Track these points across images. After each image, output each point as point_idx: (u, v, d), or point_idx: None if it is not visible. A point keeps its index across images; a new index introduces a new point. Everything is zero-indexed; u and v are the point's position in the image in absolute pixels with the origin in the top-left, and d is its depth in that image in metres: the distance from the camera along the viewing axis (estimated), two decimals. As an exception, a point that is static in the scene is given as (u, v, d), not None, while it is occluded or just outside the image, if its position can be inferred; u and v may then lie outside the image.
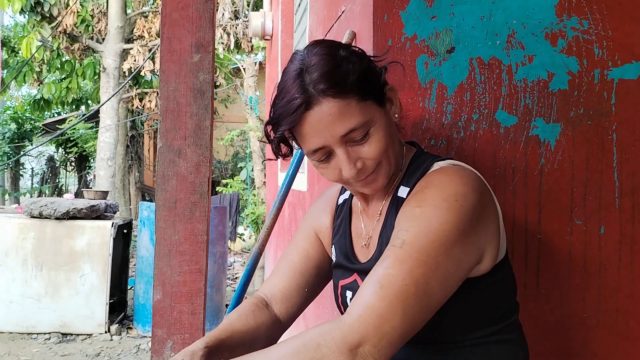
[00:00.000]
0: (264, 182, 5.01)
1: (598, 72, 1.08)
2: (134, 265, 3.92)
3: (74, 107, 9.66)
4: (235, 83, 6.86)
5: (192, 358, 0.77)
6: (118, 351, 3.10)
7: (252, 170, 5.49)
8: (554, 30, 1.08)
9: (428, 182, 0.78)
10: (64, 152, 10.63)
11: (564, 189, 1.08)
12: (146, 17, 7.14)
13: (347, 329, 0.66)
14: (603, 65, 1.08)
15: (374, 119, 0.78)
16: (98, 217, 3.47)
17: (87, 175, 10.22)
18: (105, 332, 3.32)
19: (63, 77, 8.54)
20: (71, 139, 9.28)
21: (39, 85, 8.59)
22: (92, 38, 7.23)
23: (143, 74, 7.17)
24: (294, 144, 0.84)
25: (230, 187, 6.06)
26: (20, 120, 10.10)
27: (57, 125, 9.27)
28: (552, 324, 1.08)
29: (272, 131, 0.81)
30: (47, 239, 3.34)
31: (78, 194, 8.54)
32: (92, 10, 7.11)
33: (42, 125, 10.19)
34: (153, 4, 7.73)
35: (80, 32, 7.09)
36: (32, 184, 11.53)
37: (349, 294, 0.88)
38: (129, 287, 3.90)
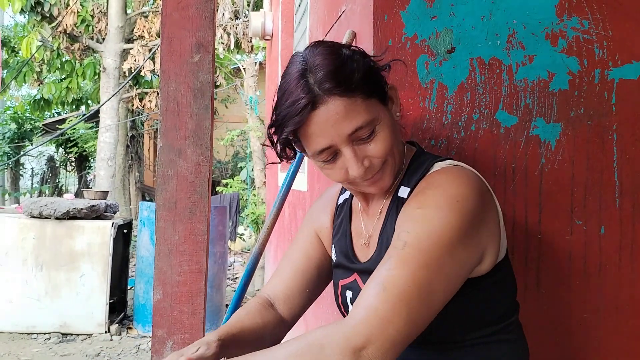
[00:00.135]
0: (264, 182, 5.01)
1: (598, 72, 1.08)
2: (134, 265, 3.92)
3: (74, 107, 9.66)
4: (235, 83, 6.86)
5: (208, 347, 0.77)
6: (118, 351, 3.10)
7: (252, 170, 5.49)
8: (554, 30, 1.08)
9: (429, 183, 0.79)
10: (64, 152, 10.63)
11: (564, 189, 1.08)
12: (146, 17, 7.14)
13: (351, 331, 0.66)
14: (603, 65, 1.08)
15: (379, 117, 0.78)
16: (98, 217, 3.47)
17: (87, 175, 10.22)
18: (105, 332, 3.32)
19: (63, 77, 8.54)
20: (71, 139, 9.28)
21: (39, 85, 8.59)
22: (92, 38, 7.24)
23: (143, 74, 7.17)
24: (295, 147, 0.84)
25: (230, 187, 6.07)
26: (20, 120, 10.10)
27: (57, 125, 9.27)
28: (552, 323, 1.07)
29: (275, 134, 0.81)
30: (47, 239, 3.34)
31: (78, 194, 8.54)
32: (92, 10, 7.11)
33: (42, 125, 10.19)
34: (153, 4, 7.73)
35: (80, 32, 7.09)
36: (32, 184, 11.53)
37: (349, 293, 0.88)
38: (129, 287, 3.90)
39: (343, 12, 1.38)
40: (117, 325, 3.41)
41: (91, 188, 7.76)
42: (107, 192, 4.15)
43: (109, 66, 6.69)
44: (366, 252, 0.87)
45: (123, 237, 3.65)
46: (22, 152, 9.66)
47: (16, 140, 9.81)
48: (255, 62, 5.74)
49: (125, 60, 6.76)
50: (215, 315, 3.46)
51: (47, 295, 3.31)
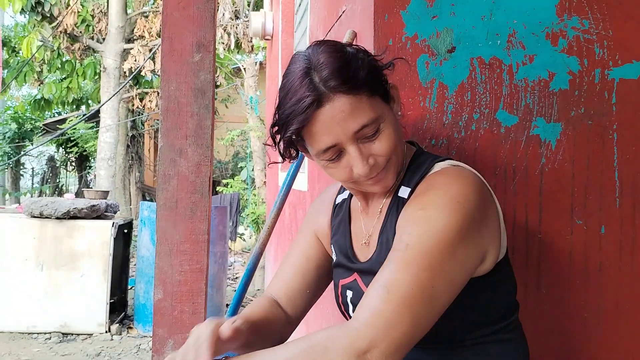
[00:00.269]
0: (265, 182, 5.01)
1: (599, 72, 1.08)
2: (134, 265, 3.92)
3: (74, 107, 9.66)
4: (235, 83, 6.86)
5: (242, 323, 0.76)
6: (118, 351, 3.10)
7: (253, 170, 5.49)
8: (554, 30, 1.08)
9: (429, 184, 0.79)
10: (64, 152, 10.63)
11: (565, 189, 1.08)
12: (146, 17, 7.15)
13: (355, 334, 0.66)
14: (604, 65, 1.08)
15: (384, 115, 0.78)
16: (98, 217, 3.47)
17: (88, 175, 10.22)
18: (106, 332, 3.32)
19: (63, 77, 8.54)
20: (71, 138, 9.28)
21: (39, 85, 8.59)
22: (92, 38, 7.24)
23: (143, 74, 7.18)
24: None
25: (231, 187, 6.07)
26: (20, 120, 10.11)
27: (57, 125, 9.27)
28: (553, 323, 1.08)
29: (278, 133, 0.80)
30: (48, 239, 3.34)
31: (78, 194, 8.54)
32: (93, 10, 7.12)
33: (43, 125, 10.19)
34: (153, 3, 7.73)
35: (80, 32, 7.09)
36: (33, 183, 11.53)
37: (349, 293, 0.88)
38: (129, 287, 3.90)
39: (343, 12, 1.38)
40: (118, 325, 3.41)
41: (91, 188, 7.77)
42: (108, 192, 4.15)
43: (110, 66, 6.69)
44: (366, 251, 0.87)
45: (123, 237, 3.65)
46: (22, 152, 9.66)
47: (17, 140, 9.82)
48: (256, 62, 5.74)
49: (125, 60, 6.76)
50: (215, 315, 3.46)
51: (48, 295, 3.31)
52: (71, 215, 3.34)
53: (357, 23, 1.21)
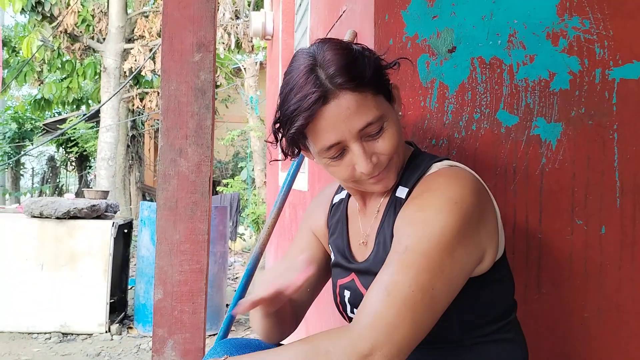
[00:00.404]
0: (265, 182, 5.01)
1: (599, 72, 1.08)
2: (134, 265, 3.92)
3: (74, 107, 9.66)
4: (235, 83, 6.86)
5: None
6: (118, 351, 3.10)
7: (253, 170, 5.49)
8: (555, 29, 1.08)
9: (427, 185, 0.79)
10: (64, 152, 10.63)
11: (565, 189, 1.08)
12: (147, 16, 7.15)
13: (357, 337, 0.66)
14: (604, 65, 1.08)
15: (387, 114, 0.78)
16: (99, 217, 3.47)
17: (88, 175, 10.22)
18: (106, 332, 3.32)
19: (64, 76, 8.55)
20: (72, 138, 9.28)
21: (39, 85, 8.60)
22: (92, 38, 7.24)
23: (144, 74, 7.18)
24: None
25: (231, 187, 6.07)
26: (20, 120, 10.11)
27: (57, 125, 9.28)
28: (553, 323, 1.07)
29: (281, 130, 0.80)
30: (48, 239, 3.33)
31: (78, 194, 8.54)
32: (93, 10, 7.12)
33: (43, 125, 10.19)
34: (154, 3, 7.73)
35: (81, 31, 7.10)
36: (33, 183, 11.54)
37: (347, 293, 0.88)
38: (129, 287, 3.90)
39: (344, 12, 1.38)
40: (118, 325, 3.41)
41: (92, 188, 7.77)
42: (108, 191, 4.15)
43: (110, 66, 6.69)
44: (364, 251, 0.87)
45: (123, 237, 3.65)
46: (22, 152, 9.66)
47: (17, 140, 9.82)
48: (256, 62, 5.74)
49: (125, 60, 6.76)
50: (215, 315, 3.45)
51: (48, 295, 3.31)
52: (71, 215, 3.34)
53: (357, 23, 1.21)
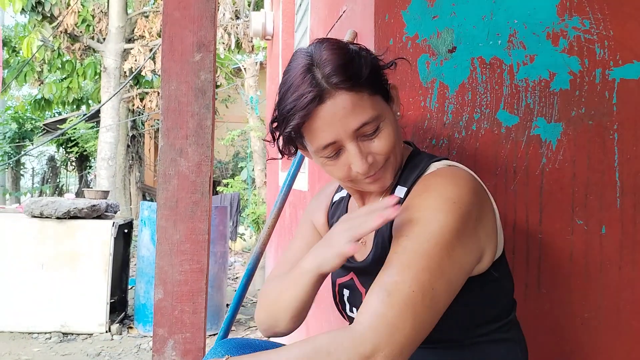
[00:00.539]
0: (265, 181, 5.01)
1: (599, 72, 1.08)
2: (135, 265, 3.92)
3: (74, 107, 9.66)
4: (235, 83, 6.86)
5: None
6: (119, 351, 3.10)
7: (253, 170, 5.49)
8: (555, 30, 1.08)
9: (425, 185, 0.79)
10: (64, 152, 10.64)
11: (565, 189, 1.08)
12: (147, 16, 7.15)
13: (358, 338, 0.66)
14: (604, 65, 1.08)
15: (384, 114, 0.78)
16: (99, 217, 3.47)
17: (88, 175, 10.22)
18: (106, 332, 3.32)
19: (64, 77, 8.55)
20: (72, 138, 9.28)
21: (39, 85, 8.60)
22: (92, 38, 7.24)
23: (144, 74, 7.18)
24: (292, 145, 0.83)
25: (231, 187, 6.07)
26: (21, 120, 10.11)
27: (57, 125, 9.28)
28: (553, 323, 1.07)
29: (278, 129, 0.80)
30: (48, 239, 3.34)
31: (79, 194, 8.55)
32: (93, 10, 7.12)
33: (43, 125, 10.19)
34: (154, 3, 7.73)
35: (81, 32, 7.10)
36: (33, 183, 11.54)
37: (346, 292, 0.88)
38: (129, 287, 3.90)
39: (344, 12, 1.38)
40: (118, 324, 3.41)
41: (92, 188, 7.77)
42: (108, 191, 4.15)
43: (110, 66, 6.70)
44: (363, 251, 0.87)
45: (124, 237, 3.65)
46: (22, 152, 9.66)
47: (17, 140, 9.82)
48: (256, 62, 5.74)
49: (125, 60, 6.76)
50: (215, 315, 3.46)
51: (48, 295, 3.31)
52: (71, 215, 3.34)
53: (357, 23, 1.21)
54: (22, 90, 12.37)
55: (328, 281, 0.97)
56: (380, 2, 1.06)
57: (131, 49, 6.85)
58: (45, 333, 3.28)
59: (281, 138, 0.81)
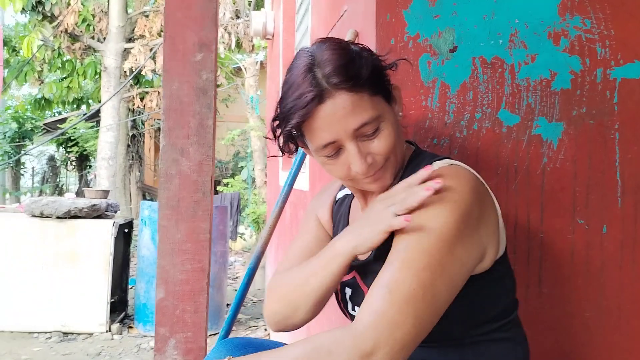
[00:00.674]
0: (265, 181, 5.01)
1: (600, 72, 1.08)
2: (135, 264, 3.93)
3: (74, 106, 9.66)
4: (236, 83, 6.86)
5: None
6: (119, 350, 3.10)
7: (253, 169, 5.49)
8: (556, 29, 1.08)
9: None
10: (64, 152, 10.64)
11: (566, 188, 1.08)
12: (147, 16, 7.15)
13: (359, 336, 0.66)
14: (606, 64, 1.08)
15: (384, 115, 0.78)
16: (99, 217, 3.47)
17: (88, 174, 10.22)
18: (106, 332, 3.32)
19: (64, 76, 8.55)
20: (72, 138, 9.28)
21: (40, 84, 8.60)
22: (93, 37, 7.24)
23: (144, 74, 7.18)
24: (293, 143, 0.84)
25: (231, 186, 6.07)
26: (21, 120, 10.10)
27: (57, 125, 9.27)
28: (554, 322, 1.08)
29: (278, 127, 0.81)
30: (49, 238, 3.34)
31: (79, 193, 8.54)
32: (93, 9, 7.12)
33: (43, 124, 10.19)
34: (154, 3, 7.73)
35: (81, 31, 7.10)
36: (33, 183, 11.54)
37: (348, 290, 0.88)
38: (129, 287, 3.90)
39: (345, 12, 1.38)
40: (118, 324, 3.41)
41: (92, 187, 7.77)
42: (108, 191, 4.15)
43: (110, 65, 6.70)
44: None
45: (124, 237, 3.65)
46: (22, 152, 9.66)
47: (17, 140, 9.82)
48: (256, 62, 5.74)
49: (126, 60, 6.76)
50: (215, 314, 3.46)
51: (48, 295, 3.31)
52: (72, 215, 3.34)
53: (359, 22, 1.21)
54: (22, 90, 12.37)
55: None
56: (382, 1, 1.06)
57: (131, 48, 6.85)
58: (46, 333, 3.29)
59: (282, 136, 0.81)
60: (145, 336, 3.35)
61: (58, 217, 3.33)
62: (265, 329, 3.52)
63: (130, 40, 7.20)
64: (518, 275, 0.90)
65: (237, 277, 5.05)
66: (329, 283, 0.80)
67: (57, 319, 3.31)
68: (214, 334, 3.29)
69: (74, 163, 10.84)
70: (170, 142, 1.02)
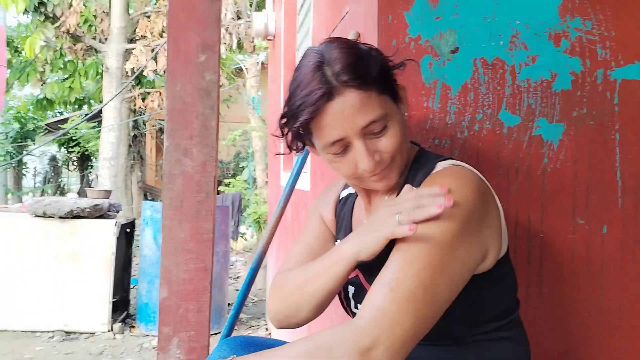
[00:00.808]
0: (266, 181, 5.02)
1: (601, 73, 1.09)
2: (137, 264, 3.94)
3: (76, 106, 9.68)
4: (237, 83, 6.87)
5: None
6: (121, 350, 3.11)
7: (254, 170, 5.50)
8: (557, 30, 1.08)
9: (429, 184, 0.80)
10: (66, 152, 10.65)
11: (567, 189, 1.08)
12: (148, 17, 7.16)
13: (359, 332, 0.67)
14: (606, 65, 1.09)
15: (391, 113, 0.79)
16: (101, 217, 3.48)
17: (89, 174, 10.24)
18: (108, 331, 3.33)
19: (66, 77, 8.56)
20: (73, 138, 9.30)
21: (42, 85, 8.62)
22: (94, 38, 7.25)
23: (145, 74, 7.19)
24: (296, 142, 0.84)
25: (233, 186, 6.08)
26: (23, 120, 10.12)
27: (59, 125, 9.29)
28: (554, 322, 1.08)
29: (286, 125, 0.82)
30: (51, 238, 3.35)
31: (81, 194, 8.56)
32: (95, 10, 7.13)
33: (45, 124, 10.21)
34: (155, 4, 7.74)
35: (83, 32, 7.11)
36: (35, 183, 11.56)
37: (351, 289, 0.89)
38: (131, 286, 3.91)
39: (347, 13, 1.38)
40: (120, 323, 3.42)
41: (94, 187, 7.78)
42: (110, 191, 4.16)
43: (112, 66, 6.71)
44: None
45: (126, 236, 3.66)
46: (24, 152, 9.68)
47: (19, 140, 9.84)
48: (258, 62, 5.74)
49: (127, 60, 6.78)
50: (217, 314, 3.47)
51: (51, 294, 3.32)
52: (74, 215, 3.35)
53: (360, 24, 1.22)
54: (25, 90, 12.39)
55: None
56: (383, 3, 1.07)
57: (133, 49, 6.86)
58: (48, 332, 3.30)
59: (289, 134, 0.82)
60: (147, 335, 3.36)
61: (60, 217, 3.34)
62: (267, 329, 3.53)
63: (131, 40, 7.21)
64: (518, 275, 0.91)
65: (238, 277, 5.05)
66: (332, 286, 0.81)
67: (59, 318, 3.32)
68: (216, 333, 3.29)
69: (75, 163, 10.85)
70: (173, 143, 1.03)
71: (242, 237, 6.15)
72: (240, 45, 6.33)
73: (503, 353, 0.83)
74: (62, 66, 8.15)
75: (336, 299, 0.96)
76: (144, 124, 9.10)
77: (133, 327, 3.52)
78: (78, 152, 9.61)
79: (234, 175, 7.49)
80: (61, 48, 7.40)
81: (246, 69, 5.66)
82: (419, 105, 1.07)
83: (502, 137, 1.08)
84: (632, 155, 1.09)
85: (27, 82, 8.23)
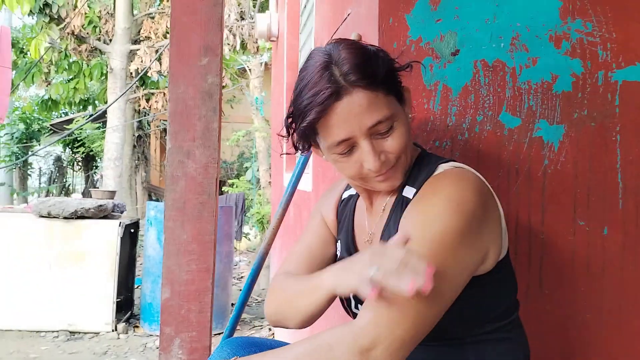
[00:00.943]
0: (270, 182, 5.03)
1: (602, 74, 1.09)
2: (141, 264, 3.95)
3: (81, 107, 9.74)
4: (241, 84, 6.89)
5: None
6: (125, 349, 3.13)
7: (258, 170, 5.51)
8: (557, 32, 1.09)
9: (431, 187, 0.80)
10: (71, 152, 10.71)
11: (568, 190, 1.09)
12: (153, 18, 7.19)
13: (359, 332, 0.68)
14: (607, 67, 1.09)
15: (397, 114, 0.80)
16: (105, 217, 3.50)
17: (94, 175, 10.29)
18: (113, 331, 3.35)
19: (70, 77, 8.61)
20: (78, 139, 9.35)
21: (47, 85, 8.67)
22: (99, 39, 7.30)
23: (150, 75, 7.22)
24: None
25: (236, 187, 6.10)
26: (28, 121, 10.19)
27: (64, 126, 9.35)
28: (555, 323, 1.08)
29: (293, 124, 0.82)
30: (56, 238, 3.37)
31: (85, 194, 8.60)
32: (100, 11, 7.17)
33: (50, 125, 10.27)
34: (159, 5, 7.78)
35: (87, 33, 7.15)
36: (40, 183, 11.62)
37: None
38: (135, 286, 3.93)
39: (348, 15, 1.39)
40: (124, 323, 3.44)
41: (98, 188, 7.82)
42: (115, 191, 4.18)
43: (116, 67, 6.75)
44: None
45: (130, 237, 3.68)
46: (30, 152, 9.74)
47: (24, 141, 9.90)
48: (261, 63, 5.76)
49: (132, 61, 6.81)
50: (220, 314, 3.48)
51: (55, 294, 3.34)
52: (79, 215, 3.37)
53: (361, 26, 1.22)
54: (30, 91, 12.46)
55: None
56: (384, 5, 1.07)
57: (137, 50, 6.89)
58: (53, 332, 3.32)
59: (296, 133, 0.83)
60: (151, 335, 3.37)
61: (65, 218, 3.36)
62: (270, 329, 3.54)
63: (136, 41, 7.25)
64: (519, 277, 0.91)
65: (242, 277, 5.07)
66: (314, 309, 0.82)
67: (64, 318, 3.34)
68: (219, 333, 3.31)
69: (80, 164, 10.91)
70: (176, 145, 1.04)
71: (245, 237, 6.16)
72: (243, 46, 6.35)
73: (503, 354, 0.84)
74: (67, 67, 8.19)
75: (336, 299, 0.96)
76: (149, 125, 9.14)
77: (137, 327, 3.54)
78: (83, 152, 9.66)
79: (237, 176, 7.51)
80: (66, 49, 7.45)
81: (250, 69, 5.67)
82: (420, 107, 1.08)
83: (503, 138, 1.08)
84: (633, 157, 1.09)
85: (33, 83, 8.28)
